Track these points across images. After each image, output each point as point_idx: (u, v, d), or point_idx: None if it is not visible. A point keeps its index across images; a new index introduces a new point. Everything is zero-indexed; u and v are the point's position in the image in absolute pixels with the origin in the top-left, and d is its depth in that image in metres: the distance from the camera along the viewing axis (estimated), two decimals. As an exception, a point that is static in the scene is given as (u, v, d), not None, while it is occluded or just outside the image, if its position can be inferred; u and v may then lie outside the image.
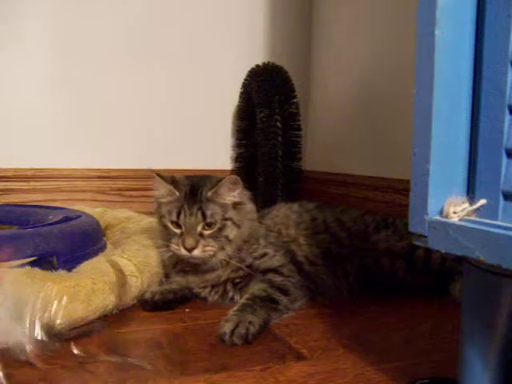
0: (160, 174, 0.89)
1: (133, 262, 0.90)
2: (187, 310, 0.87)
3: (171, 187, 0.88)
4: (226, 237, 0.87)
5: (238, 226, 0.88)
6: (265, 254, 0.92)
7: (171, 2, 1.69)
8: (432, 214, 0.45)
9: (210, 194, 0.86)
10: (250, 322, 0.73)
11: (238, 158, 1.74)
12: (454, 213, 0.44)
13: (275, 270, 0.89)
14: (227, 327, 0.72)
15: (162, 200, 0.90)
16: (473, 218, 0.44)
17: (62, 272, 0.80)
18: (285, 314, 0.82)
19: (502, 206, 0.42)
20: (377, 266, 0.97)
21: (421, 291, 0.95)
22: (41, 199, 1.54)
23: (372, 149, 1.52)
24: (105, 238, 1.12)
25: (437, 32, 0.43)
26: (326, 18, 1.80)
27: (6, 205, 1.37)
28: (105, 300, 0.78)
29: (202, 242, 0.84)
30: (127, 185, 1.66)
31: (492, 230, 0.40)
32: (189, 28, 1.72)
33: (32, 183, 1.55)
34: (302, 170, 1.64)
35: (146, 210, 1.36)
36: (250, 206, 0.93)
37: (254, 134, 1.59)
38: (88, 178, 1.61)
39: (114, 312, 0.81)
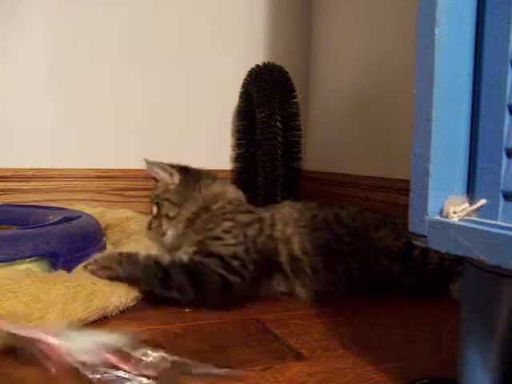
0: None
1: (133, 262, 0.89)
2: (187, 309, 0.87)
3: None
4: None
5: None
6: (219, 238, 0.89)
7: (170, 2, 1.69)
8: (432, 214, 0.45)
9: None
10: None
11: (237, 158, 1.74)
12: (454, 213, 0.44)
13: (219, 257, 0.85)
14: None
15: None
16: (473, 218, 0.44)
17: (61, 272, 0.80)
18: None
19: (502, 206, 0.42)
20: (376, 264, 0.97)
21: (420, 291, 0.94)
22: (41, 199, 1.54)
23: (372, 149, 1.52)
24: (105, 238, 1.12)
25: (437, 32, 0.43)
26: (325, 18, 1.80)
27: (6, 205, 1.38)
28: (105, 301, 0.78)
29: None
30: (127, 185, 1.66)
31: (492, 229, 0.40)
32: (188, 28, 1.72)
33: (32, 183, 1.55)
34: (302, 170, 1.63)
35: (145, 209, 1.36)
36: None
37: (254, 134, 1.59)
38: (88, 177, 1.61)
39: (115, 313, 0.81)
